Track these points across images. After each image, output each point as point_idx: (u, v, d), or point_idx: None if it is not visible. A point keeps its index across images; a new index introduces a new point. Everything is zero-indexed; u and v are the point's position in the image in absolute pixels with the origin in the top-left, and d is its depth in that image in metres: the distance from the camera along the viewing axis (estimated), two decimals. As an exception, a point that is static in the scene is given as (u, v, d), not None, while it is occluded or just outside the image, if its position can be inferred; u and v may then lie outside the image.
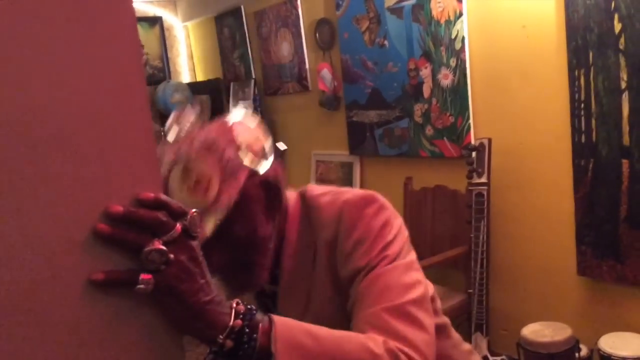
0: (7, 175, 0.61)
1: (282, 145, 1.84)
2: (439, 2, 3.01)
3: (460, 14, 2.93)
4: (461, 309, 2.85)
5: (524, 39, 2.72)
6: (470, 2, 2.91)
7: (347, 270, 1.05)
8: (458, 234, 3.02)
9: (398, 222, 1.10)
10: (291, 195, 1.18)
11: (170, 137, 1.04)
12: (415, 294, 1.01)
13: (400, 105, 3.37)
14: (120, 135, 0.69)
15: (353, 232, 1.06)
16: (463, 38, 2.94)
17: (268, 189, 1.08)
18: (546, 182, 2.75)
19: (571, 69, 2.52)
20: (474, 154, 2.80)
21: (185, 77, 5.54)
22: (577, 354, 2.43)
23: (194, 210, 0.77)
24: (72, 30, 0.65)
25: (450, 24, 2.98)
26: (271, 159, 1.09)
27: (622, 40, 2.33)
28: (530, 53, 2.71)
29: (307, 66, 4.08)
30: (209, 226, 0.94)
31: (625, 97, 2.36)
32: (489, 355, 2.62)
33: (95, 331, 0.68)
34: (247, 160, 1.03)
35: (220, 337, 0.79)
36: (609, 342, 2.36)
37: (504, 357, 2.72)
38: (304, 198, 1.17)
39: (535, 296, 2.90)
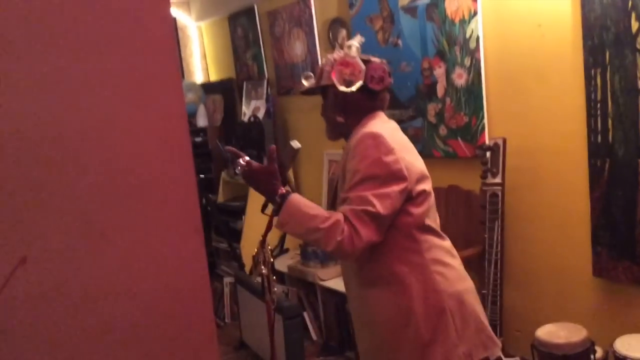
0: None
1: (296, 144, 1.86)
2: (454, 1, 2.99)
3: (475, 13, 2.91)
4: (475, 310, 2.83)
5: (540, 38, 2.70)
6: (485, 1, 2.89)
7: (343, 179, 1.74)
8: (472, 235, 3.00)
9: (374, 156, 1.65)
10: (361, 121, 1.82)
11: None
12: (377, 191, 1.62)
13: (414, 105, 3.35)
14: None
15: (350, 161, 1.69)
16: (478, 37, 2.92)
17: (339, 99, 1.81)
18: (561, 182, 2.73)
19: (587, 68, 2.50)
20: (488, 154, 2.79)
21: (198, 77, 5.56)
22: (592, 356, 2.41)
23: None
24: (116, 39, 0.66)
25: (464, 23, 2.97)
26: (355, 87, 1.75)
27: (639, 39, 2.31)
28: (546, 52, 2.69)
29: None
30: (306, 86, 1.93)
31: (642, 96, 2.33)
32: (502, 357, 2.60)
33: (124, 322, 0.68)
34: (334, 77, 1.77)
35: (277, 198, 1.69)
36: (624, 344, 2.34)
37: (517, 358, 2.71)
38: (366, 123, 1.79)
39: (550, 297, 2.87)
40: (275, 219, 1.69)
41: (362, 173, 1.64)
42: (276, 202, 1.68)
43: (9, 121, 0.59)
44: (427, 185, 1.77)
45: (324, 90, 1.87)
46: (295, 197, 1.68)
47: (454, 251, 1.85)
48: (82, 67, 0.64)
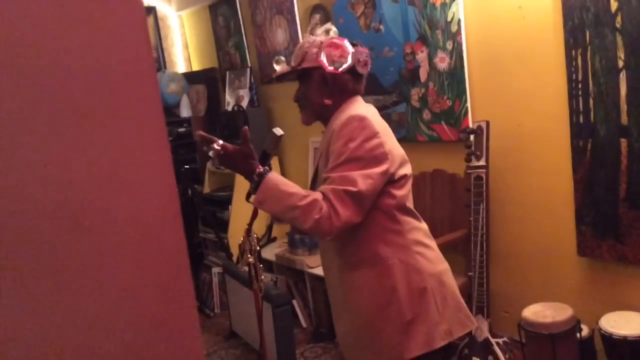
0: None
1: (278, 131, 1.84)
2: (434, -15, 2.99)
3: (456, -4, 2.91)
4: (462, 292, 2.82)
5: (521, 19, 2.70)
6: (466, -16, 2.89)
7: (326, 162, 1.74)
8: (457, 218, 3.02)
9: (360, 139, 1.65)
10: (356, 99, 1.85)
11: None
12: (343, 186, 1.62)
13: (397, 90, 3.35)
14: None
15: (334, 143, 1.69)
16: (459, 20, 2.92)
17: (326, 82, 1.80)
18: (545, 163, 2.75)
19: (568, 48, 2.51)
20: (472, 137, 2.80)
21: (180, 67, 5.52)
22: (578, 334, 2.44)
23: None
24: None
25: (445, 6, 2.96)
26: (342, 68, 1.79)
27: (618, 18, 2.32)
28: (527, 34, 2.69)
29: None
30: (284, 69, 1.88)
31: (622, 76, 2.35)
32: (490, 338, 2.63)
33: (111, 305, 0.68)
34: (322, 56, 1.79)
35: (255, 176, 1.67)
36: (610, 322, 2.37)
37: (505, 338, 2.73)
38: (349, 106, 1.81)
39: (535, 277, 2.90)
40: (253, 198, 1.68)
41: (347, 154, 1.65)
42: (254, 180, 1.68)
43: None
44: (408, 170, 1.80)
45: (304, 73, 1.85)
46: (273, 175, 1.68)
47: (430, 234, 1.90)
48: (50, 52, 0.63)
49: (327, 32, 1.84)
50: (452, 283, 1.86)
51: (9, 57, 0.60)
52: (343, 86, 1.82)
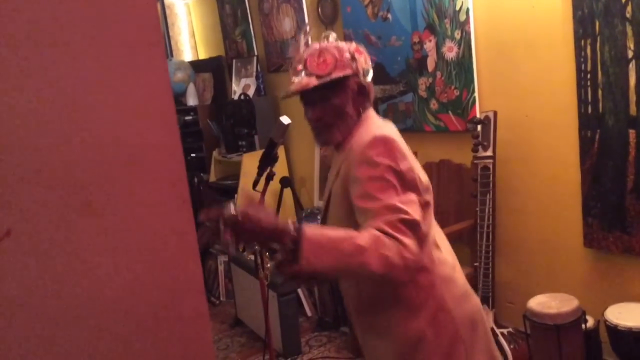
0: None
1: (285, 119, 1.82)
2: (443, -27, 2.96)
3: (465, -15, 2.89)
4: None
5: (530, 8, 2.68)
6: (475, -27, 2.87)
7: (352, 191, 1.47)
8: (463, 208, 3.02)
9: (389, 163, 1.44)
10: (368, 114, 1.62)
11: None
12: (396, 215, 1.37)
13: (404, 80, 3.34)
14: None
15: (359, 167, 1.46)
16: (467, 9, 2.90)
17: (361, 91, 1.58)
18: (552, 154, 2.74)
19: (577, 38, 2.49)
20: (479, 127, 2.79)
21: (187, 56, 5.51)
22: (583, 325, 2.44)
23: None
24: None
25: (454, -5, 2.94)
26: (370, 77, 1.60)
27: (628, 8, 2.30)
28: (536, 23, 2.67)
29: (309, 42, 4.03)
30: (312, 82, 1.52)
31: (632, 66, 2.33)
32: (495, 328, 2.63)
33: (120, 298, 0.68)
34: (356, 65, 1.56)
35: (292, 232, 1.26)
36: (615, 313, 2.37)
37: (510, 329, 2.73)
38: (369, 122, 1.59)
39: (541, 268, 2.90)
40: (295, 266, 1.27)
41: (380, 181, 1.42)
42: (291, 239, 1.27)
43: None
44: (430, 197, 1.57)
45: (334, 84, 1.54)
46: (309, 226, 1.31)
47: (457, 264, 1.66)
48: (66, 36, 0.63)
49: (326, 37, 1.62)
50: (484, 322, 1.64)
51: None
52: (368, 97, 1.61)
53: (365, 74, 1.58)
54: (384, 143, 1.47)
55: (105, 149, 0.64)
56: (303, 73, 1.54)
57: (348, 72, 1.54)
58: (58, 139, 0.62)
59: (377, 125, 1.57)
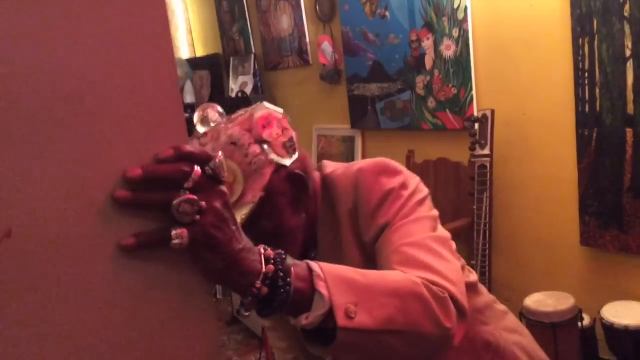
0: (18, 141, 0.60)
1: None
2: (441, -29, 2.96)
3: (463, -17, 2.89)
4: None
5: (528, 7, 2.68)
6: (473, -29, 2.87)
7: (369, 233, 1.07)
8: (460, 206, 3.01)
9: (414, 182, 1.12)
10: (316, 176, 1.19)
11: (197, 133, 1.08)
12: (436, 233, 1.05)
13: (402, 78, 3.34)
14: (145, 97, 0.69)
15: (371, 197, 1.07)
16: (465, 7, 2.90)
17: (294, 182, 1.10)
18: (549, 152, 2.74)
19: (575, 37, 2.49)
20: (476, 125, 2.79)
21: (184, 53, 5.49)
22: (579, 323, 2.44)
23: (219, 153, 0.73)
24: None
25: (452, -7, 2.94)
26: (297, 151, 1.10)
27: (626, 7, 2.30)
28: (534, 21, 2.67)
29: (307, 39, 4.03)
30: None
31: (629, 65, 2.33)
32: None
33: (125, 298, 0.67)
34: (272, 155, 1.04)
35: (257, 283, 0.76)
36: (611, 311, 2.37)
37: (506, 327, 2.74)
38: (322, 177, 1.19)
39: (538, 266, 2.90)
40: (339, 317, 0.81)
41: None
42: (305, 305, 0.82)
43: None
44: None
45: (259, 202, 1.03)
46: (327, 265, 0.85)
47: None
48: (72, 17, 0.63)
49: (204, 120, 1.13)
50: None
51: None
52: (309, 176, 1.16)
53: (289, 150, 1.08)
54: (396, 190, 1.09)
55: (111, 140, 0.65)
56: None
57: (265, 176, 1.03)
58: (62, 128, 0.62)
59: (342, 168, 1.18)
